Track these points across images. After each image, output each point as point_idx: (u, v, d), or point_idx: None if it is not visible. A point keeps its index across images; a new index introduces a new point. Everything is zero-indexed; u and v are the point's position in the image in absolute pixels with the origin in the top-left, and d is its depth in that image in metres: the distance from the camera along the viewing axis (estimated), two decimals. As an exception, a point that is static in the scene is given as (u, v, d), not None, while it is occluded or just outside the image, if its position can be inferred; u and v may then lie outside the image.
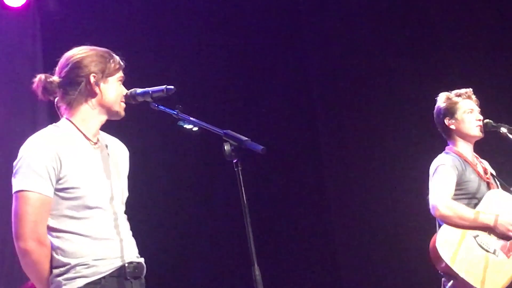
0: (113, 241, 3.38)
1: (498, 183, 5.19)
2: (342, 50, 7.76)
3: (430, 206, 4.96)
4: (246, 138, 3.26)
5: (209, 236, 7.37)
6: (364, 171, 7.57)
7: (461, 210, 4.90)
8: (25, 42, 7.17)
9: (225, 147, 3.26)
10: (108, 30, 7.06)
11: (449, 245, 4.82)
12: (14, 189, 3.32)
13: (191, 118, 3.41)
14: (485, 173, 5.18)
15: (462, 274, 4.73)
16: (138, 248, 3.57)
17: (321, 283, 7.48)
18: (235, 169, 3.26)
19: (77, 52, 3.51)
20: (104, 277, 3.33)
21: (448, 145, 5.24)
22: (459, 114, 5.16)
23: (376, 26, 7.63)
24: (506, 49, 7.23)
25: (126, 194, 3.57)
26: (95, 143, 3.48)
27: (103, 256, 3.34)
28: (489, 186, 5.12)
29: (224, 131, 3.30)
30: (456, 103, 5.19)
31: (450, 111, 5.19)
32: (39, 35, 7.22)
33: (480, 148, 5.31)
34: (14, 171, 3.34)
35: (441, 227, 4.90)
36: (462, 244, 4.84)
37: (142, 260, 3.50)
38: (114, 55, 3.52)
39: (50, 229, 3.33)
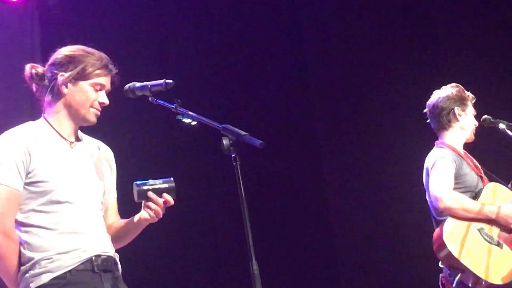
0: (81, 235, 3.34)
1: (487, 178, 5.20)
2: (340, 44, 7.75)
3: (432, 199, 4.93)
4: (245, 133, 3.26)
5: (207, 231, 7.36)
6: (363, 166, 7.57)
7: (465, 202, 4.90)
8: (23, 37, 7.15)
9: (224, 142, 3.25)
10: (107, 24, 7.05)
11: (455, 238, 4.81)
12: None
13: (190, 112, 3.40)
14: (476, 167, 5.18)
15: (470, 266, 4.73)
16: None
17: (319, 278, 7.48)
18: (234, 164, 3.26)
19: (63, 50, 3.50)
20: (70, 271, 3.29)
21: (438, 139, 5.24)
22: (468, 110, 5.18)
23: (375, 21, 7.63)
24: (506, 47, 7.22)
25: (113, 196, 3.57)
26: (72, 142, 3.46)
27: (68, 249, 3.30)
28: (482, 180, 5.13)
29: (223, 125, 3.29)
30: (467, 99, 5.20)
31: (463, 101, 5.19)
32: (37, 30, 7.21)
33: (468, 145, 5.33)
34: None
35: (447, 220, 4.87)
36: (468, 237, 4.83)
37: (112, 253, 3.44)
38: (97, 61, 3.44)
39: (19, 224, 3.32)
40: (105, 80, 3.45)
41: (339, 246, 7.66)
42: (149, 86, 3.47)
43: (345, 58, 7.72)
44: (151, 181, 3.35)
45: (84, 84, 3.41)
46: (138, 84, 3.50)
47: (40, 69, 3.49)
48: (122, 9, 7.16)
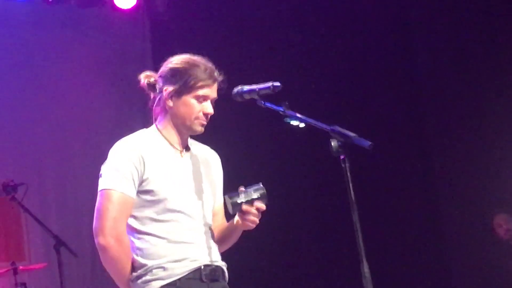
0: (191, 244, 3.42)
1: None
2: (451, 43, 7.62)
3: None
4: (354, 134, 3.22)
5: (317, 233, 7.36)
6: (475, 165, 7.42)
7: None
8: (135, 43, 7.34)
9: (332, 143, 3.22)
10: (214, 29, 7.14)
11: None
12: (99, 188, 3.42)
13: (298, 115, 3.39)
14: None
15: None
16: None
17: (431, 280, 7.36)
18: (343, 166, 3.23)
19: (169, 61, 3.53)
20: (179, 279, 3.38)
21: None
22: None
23: (483, 18, 7.47)
24: None
25: (220, 201, 3.60)
26: (181, 151, 3.53)
27: (179, 258, 3.39)
28: None
29: (331, 127, 3.26)
30: None
31: None
32: (148, 36, 7.37)
33: None
34: (100, 173, 3.45)
35: None
36: None
37: (221, 264, 3.51)
38: (200, 73, 3.45)
39: (134, 231, 3.42)
40: (209, 91, 3.47)
41: (451, 248, 7.52)
42: (257, 89, 3.46)
43: (455, 55, 7.58)
44: (242, 194, 3.39)
45: (187, 98, 3.45)
46: (246, 88, 3.50)
47: (152, 78, 3.55)
48: (229, 13, 7.24)
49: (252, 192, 3.38)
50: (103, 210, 3.36)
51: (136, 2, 7.04)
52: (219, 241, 3.58)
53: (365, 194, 6.83)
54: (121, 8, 7.08)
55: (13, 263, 6.20)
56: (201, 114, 3.47)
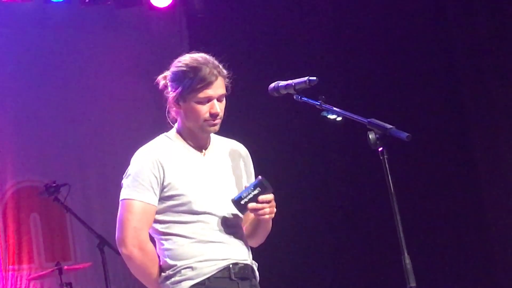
0: (219, 243, 3.42)
1: None
2: (492, 34, 7.51)
3: None
4: (391, 126, 3.23)
5: (357, 226, 7.34)
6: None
7: None
8: (172, 41, 7.37)
9: (370, 136, 3.23)
10: (252, 26, 7.15)
11: None
12: (120, 198, 3.44)
13: (335, 108, 3.40)
14: None
15: None
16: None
17: (475, 273, 7.28)
18: (381, 158, 3.23)
19: (173, 64, 3.50)
20: (208, 278, 3.38)
21: None
22: None
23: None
24: None
25: None
26: (202, 151, 3.50)
27: (207, 258, 3.39)
28: None
29: (368, 119, 3.27)
30: None
31: None
32: (185, 34, 7.40)
33: None
34: (122, 181, 3.46)
35: None
36: None
37: (249, 261, 3.49)
38: (198, 74, 3.39)
39: (160, 233, 3.44)
40: (210, 91, 3.41)
41: (496, 239, 7.41)
42: (293, 84, 3.48)
43: (495, 43, 7.48)
44: (244, 193, 3.38)
45: (190, 103, 3.41)
46: (282, 83, 3.51)
47: (164, 80, 3.52)
48: (266, 10, 7.24)
49: (252, 189, 3.38)
50: (124, 220, 3.39)
51: (173, 1, 7.07)
52: (250, 235, 3.57)
53: (406, 187, 6.81)
54: (157, 7, 7.11)
55: (58, 263, 6.28)
56: (207, 115, 3.42)
